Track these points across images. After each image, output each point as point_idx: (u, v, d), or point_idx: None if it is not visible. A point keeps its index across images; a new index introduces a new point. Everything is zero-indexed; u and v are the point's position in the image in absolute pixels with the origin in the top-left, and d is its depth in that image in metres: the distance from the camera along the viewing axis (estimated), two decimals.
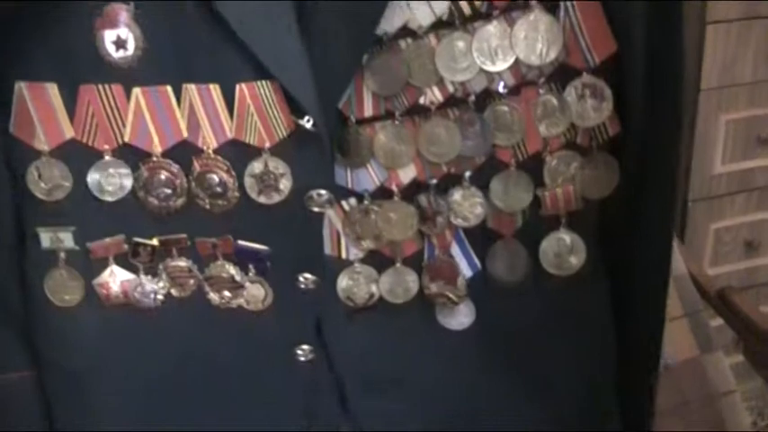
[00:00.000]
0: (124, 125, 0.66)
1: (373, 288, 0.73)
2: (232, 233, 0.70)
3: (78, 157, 0.68)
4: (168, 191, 0.68)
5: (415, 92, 0.67)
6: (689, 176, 1.81)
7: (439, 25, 0.65)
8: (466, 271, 0.73)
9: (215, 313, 0.73)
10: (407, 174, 0.70)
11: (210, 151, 0.67)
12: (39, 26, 0.64)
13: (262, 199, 0.69)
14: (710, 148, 1.81)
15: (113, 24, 0.64)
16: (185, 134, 0.67)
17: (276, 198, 0.69)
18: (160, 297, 0.72)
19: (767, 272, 1.95)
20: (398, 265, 0.73)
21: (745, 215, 1.89)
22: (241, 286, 0.72)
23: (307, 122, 0.65)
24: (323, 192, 0.68)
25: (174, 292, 0.73)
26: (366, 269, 0.73)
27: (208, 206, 0.69)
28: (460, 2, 0.64)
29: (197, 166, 0.68)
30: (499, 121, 0.68)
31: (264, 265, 0.71)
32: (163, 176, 0.68)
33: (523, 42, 0.65)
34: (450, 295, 0.73)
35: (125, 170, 0.68)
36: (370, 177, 0.70)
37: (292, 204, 0.69)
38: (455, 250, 0.73)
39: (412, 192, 0.71)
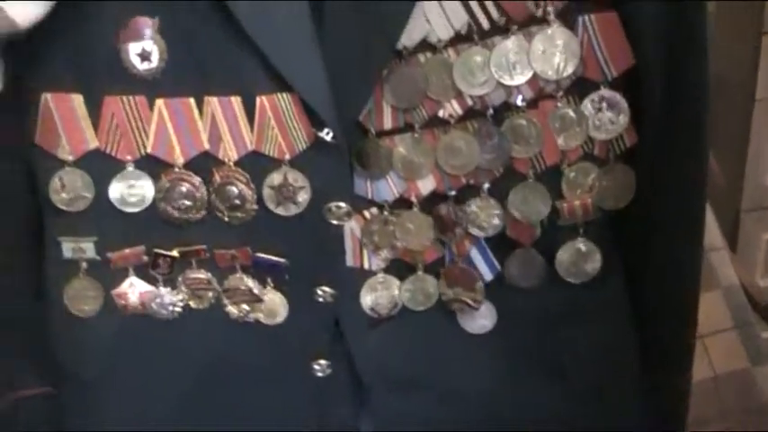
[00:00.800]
0: (147, 136, 0.67)
1: (396, 297, 0.74)
2: (250, 245, 0.71)
3: (101, 167, 0.69)
4: (188, 203, 0.69)
5: (434, 105, 0.68)
6: (741, 186, 1.79)
7: (458, 39, 0.66)
8: (486, 274, 0.74)
9: (232, 326, 0.74)
10: (426, 185, 0.71)
11: (231, 163, 0.68)
12: (63, 37, 0.65)
13: (280, 211, 0.69)
14: (763, 158, 1.78)
15: (138, 37, 0.65)
16: (207, 146, 0.68)
17: (294, 210, 0.69)
18: (178, 309, 0.73)
19: None
20: (420, 273, 0.74)
21: None
22: (259, 299, 0.73)
23: (326, 135, 0.66)
24: (342, 204, 0.69)
25: (192, 304, 0.73)
26: (388, 279, 0.74)
27: (226, 218, 0.70)
28: (479, 16, 0.65)
29: (217, 177, 0.69)
30: (517, 134, 0.69)
31: (282, 277, 0.72)
32: (184, 188, 0.69)
33: (541, 57, 0.66)
34: (468, 300, 0.74)
35: (147, 181, 0.69)
36: (389, 188, 0.71)
37: (311, 217, 0.69)
38: (475, 254, 0.74)
39: (431, 202, 0.71)
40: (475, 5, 0.65)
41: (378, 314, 0.74)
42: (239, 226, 0.70)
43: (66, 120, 0.67)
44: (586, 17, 0.67)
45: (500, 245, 0.73)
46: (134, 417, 0.76)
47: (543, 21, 0.66)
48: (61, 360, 0.76)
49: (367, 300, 0.74)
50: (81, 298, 0.73)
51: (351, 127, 0.68)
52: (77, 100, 0.67)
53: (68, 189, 0.69)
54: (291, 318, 0.73)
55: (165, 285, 0.72)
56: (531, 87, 0.68)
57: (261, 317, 0.73)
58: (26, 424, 0.79)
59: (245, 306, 0.73)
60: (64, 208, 0.70)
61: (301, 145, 0.68)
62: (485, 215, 0.71)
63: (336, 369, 0.75)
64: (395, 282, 0.74)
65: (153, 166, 0.69)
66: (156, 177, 0.69)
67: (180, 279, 0.72)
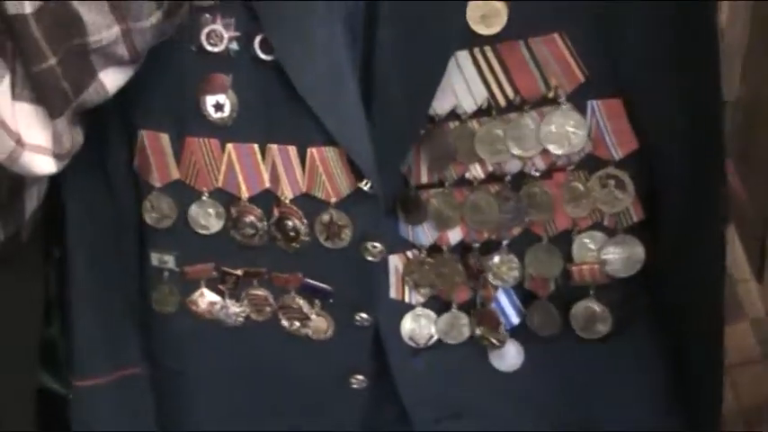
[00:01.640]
0: (218, 173, 0.79)
1: (433, 330, 0.83)
2: (301, 271, 0.82)
3: (182, 194, 0.81)
4: (252, 231, 0.81)
5: (461, 167, 0.77)
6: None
7: (480, 113, 0.74)
8: (512, 317, 0.82)
9: (286, 337, 0.85)
10: (455, 235, 0.80)
11: (287, 200, 0.79)
12: (159, 86, 0.78)
13: (328, 244, 0.80)
14: None
15: (215, 90, 0.77)
16: (267, 184, 0.79)
17: (340, 244, 0.80)
18: (241, 319, 0.85)
19: None
20: (454, 310, 0.83)
21: None
22: (308, 317, 0.84)
23: (365, 185, 0.76)
24: (377, 244, 0.79)
25: (253, 316, 0.85)
26: (426, 312, 0.83)
27: (283, 246, 0.81)
28: (497, 94, 0.73)
29: (276, 212, 0.80)
30: (532, 200, 0.77)
31: (328, 301, 0.83)
32: (248, 219, 0.81)
33: (552, 134, 0.73)
34: (493, 340, 0.82)
35: (219, 209, 0.81)
36: (425, 234, 0.80)
37: (351, 252, 0.80)
38: (503, 298, 0.82)
39: (460, 250, 0.80)
40: (493, 84, 0.73)
41: (416, 343, 0.84)
42: (293, 254, 0.81)
43: (156, 153, 0.80)
44: (594, 102, 0.73)
45: (525, 292, 0.81)
46: (205, 408, 0.89)
47: (555, 102, 0.73)
48: (153, 349, 0.91)
49: (406, 329, 0.84)
50: (164, 300, 0.87)
51: (395, 178, 0.78)
52: (164, 138, 0.79)
53: (156, 210, 0.83)
54: (334, 336, 0.84)
55: (230, 298, 0.85)
56: (543, 160, 0.75)
57: (309, 332, 0.84)
58: (127, 400, 0.93)
59: (296, 322, 0.84)
60: (153, 225, 0.83)
61: (345, 191, 0.78)
62: (505, 268, 0.79)
63: (373, 384, 0.85)
64: (432, 315, 0.83)
65: (224, 197, 0.80)
66: (226, 207, 0.81)
67: (243, 294, 0.84)
